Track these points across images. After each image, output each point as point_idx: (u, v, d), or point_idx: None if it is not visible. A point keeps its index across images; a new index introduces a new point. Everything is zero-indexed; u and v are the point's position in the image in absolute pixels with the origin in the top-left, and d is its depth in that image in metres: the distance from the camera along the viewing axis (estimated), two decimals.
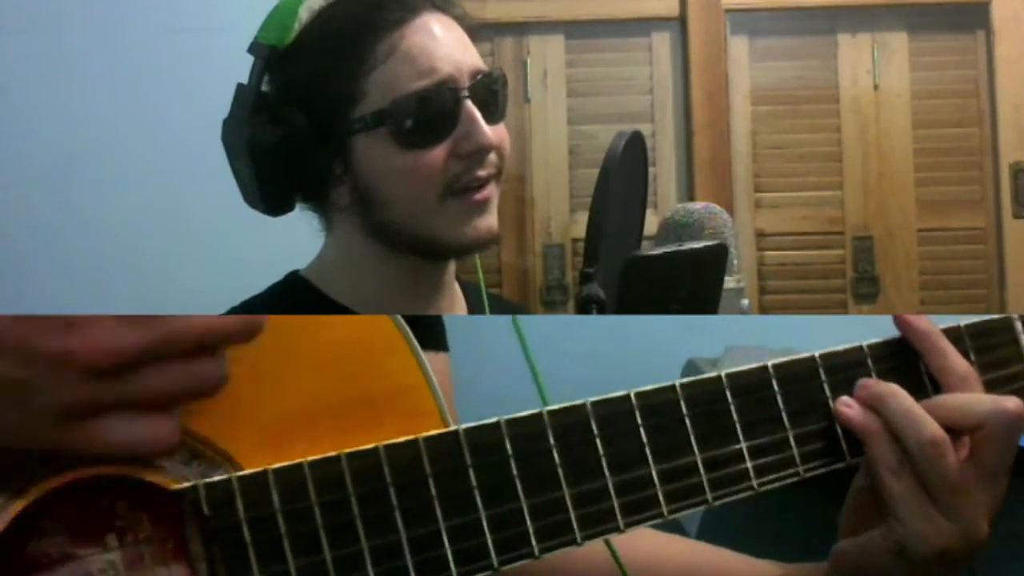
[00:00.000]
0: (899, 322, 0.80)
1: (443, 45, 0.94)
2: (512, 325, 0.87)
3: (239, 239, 1.97)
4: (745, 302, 1.41)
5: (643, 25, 2.50)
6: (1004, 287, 2.47)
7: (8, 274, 2.13)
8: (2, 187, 2.16)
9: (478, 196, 0.95)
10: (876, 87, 2.50)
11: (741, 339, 2.02)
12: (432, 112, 0.93)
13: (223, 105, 0.98)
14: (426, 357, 0.88)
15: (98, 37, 2.18)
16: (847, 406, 0.75)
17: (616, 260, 0.89)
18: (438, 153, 0.93)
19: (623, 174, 0.94)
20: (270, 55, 0.96)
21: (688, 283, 0.88)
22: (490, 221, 0.96)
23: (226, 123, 0.97)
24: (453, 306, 1.06)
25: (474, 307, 1.09)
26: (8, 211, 2.16)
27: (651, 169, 2.32)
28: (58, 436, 0.53)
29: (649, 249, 0.91)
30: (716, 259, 0.91)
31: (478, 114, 0.94)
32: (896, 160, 2.49)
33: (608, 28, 2.49)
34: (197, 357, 0.54)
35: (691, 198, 2.43)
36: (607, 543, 0.73)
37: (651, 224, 1.03)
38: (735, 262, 1.40)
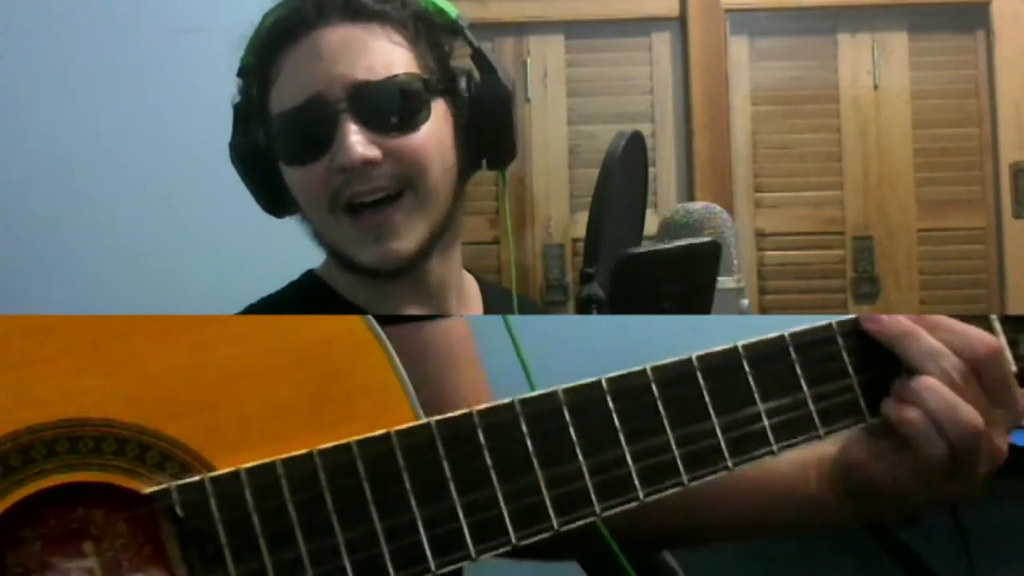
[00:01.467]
0: (868, 326, 0.80)
1: (321, 60, 0.92)
2: (504, 324, 0.87)
3: (239, 238, 1.97)
4: (745, 302, 1.41)
5: (643, 25, 2.50)
6: (1004, 287, 2.47)
7: (8, 274, 2.13)
8: (2, 187, 2.16)
9: (369, 220, 0.93)
10: (876, 87, 2.50)
11: (741, 339, 2.02)
12: (302, 130, 0.93)
13: (223, 105, 1.00)
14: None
15: (98, 37, 2.18)
16: (889, 406, 0.78)
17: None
18: (316, 169, 0.93)
19: (623, 174, 0.94)
20: (239, 72, 1.00)
21: (680, 280, 0.88)
22: (386, 248, 0.93)
23: (231, 141, 1.01)
24: (464, 303, 1.05)
25: (490, 304, 1.08)
26: (8, 211, 2.16)
27: (651, 169, 2.32)
28: None
29: (637, 248, 0.91)
30: (708, 256, 0.91)
31: (350, 128, 0.91)
32: (896, 160, 2.49)
33: (608, 28, 2.49)
34: None
35: (691, 198, 2.42)
36: (597, 526, 0.73)
37: (651, 224, 1.03)
38: (735, 262, 1.41)
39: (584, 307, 0.89)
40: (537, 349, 1.00)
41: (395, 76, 0.93)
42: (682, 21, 2.48)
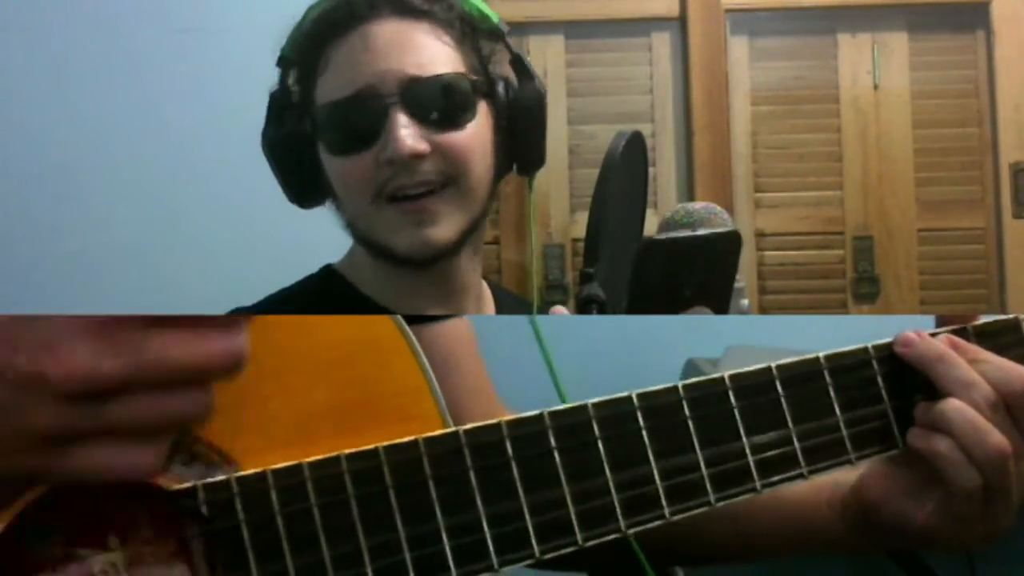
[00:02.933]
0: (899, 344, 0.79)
1: (372, 53, 0.94)
2: (529, 325, 0.87)
3: (239, 238, 1.97)
4: (745, 302, 1.41)
5: (643, 25, 2.50)
6: (1004, 287, 2.47)
7: (8, 274, 2.13)
8: (2, 187, 2.16)
9: (412, 206, 0.94)
10: (876, 87, 2.50)
11: (741, 339, 2.02)
12: (349, 120, 0.94)
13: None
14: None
15: (98, 37, 2.18)
16: (915, 436, 0.76)
17: (616, 260, 0.89)
18: (364, 160, 0.94)
19: (623, 174, 0.94)
20: (279, 62, 1.00)
21: (702, 269, 0.88)
22: (427, 234, 0.95)
23: (264, 131, 1.01)
24: (480, 306, 1.06)
25: (502, 309, 1.09)
26: (8, 211, 2.16)
27: (651, 169, 2.32)
28: (36, 461, 0.50)
29: (660, 234, 0.90)
30: (730, 246, 0.91)
31: (400, 121, 0.92)
32: (896, 160, 2.49)
33: (608, 28, 2.49)
34: (181, 388, 0.51)
35: (691, 198, 2.42)
36: (628, 541, 0.73)
37: (651, 224, 1.03)
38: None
39: (584, 307, 0.89)
40: (536, 349, 1.00)
41: (445, 74, 0.95)
42: (682, 21, 2.48)
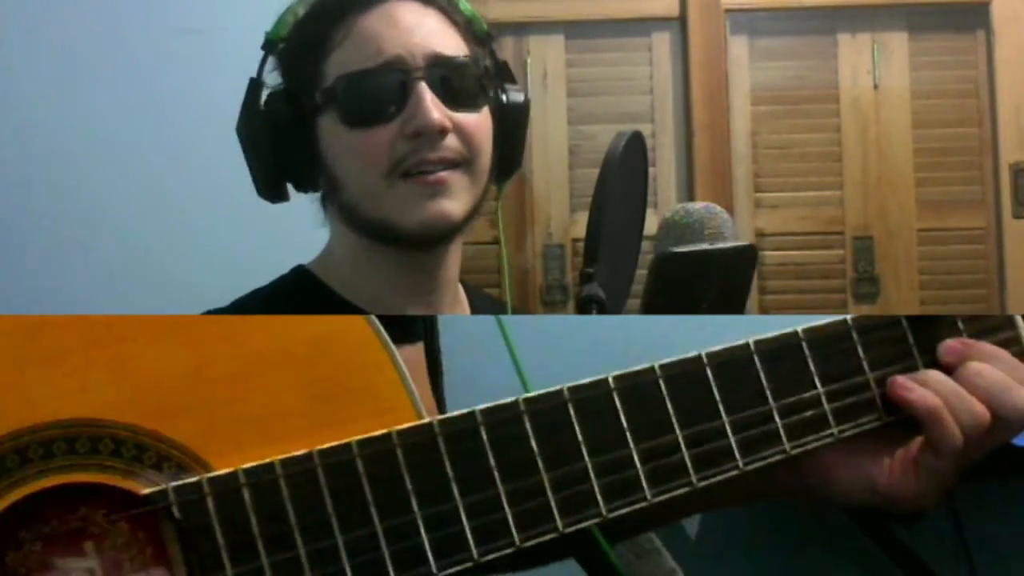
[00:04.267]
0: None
1: (397, 28, 0.94)
2: (496, 324, 0.87)
3: (239, 237, 1.97)
4: None
5: (643, 25, 2.50)
6: (1004, 287, 2.47)
7: (8, 274, 2.13)
8: (2, 187, 2.16)
9: (429, 178, 0.94)
10: (876, 87, 2.50)
11: (741, 339, 2.02)
12: (375, 90, 0.94)
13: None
14: (397, 350, 0.87)
15: (98, 37, 2.18)
16: (906, 388, 0.78)
17: (616, 260, 0.89)
18: (383, 133, 0.93)
19: (623, 174, 0.94)
20: (267, 47, 0.99)
21: (717, 282, 0.88)
22: (442, 206, 0.94)
23: (239, 116, 0.99)
24: (455, 306, 1.06)
25: (476, 309, 1.09)
26: (8, 211, 2.16)
27: (651, 169, 2.32)
28: None
29: (681, 246, 0.90)
30: (746, 260, 0.91)
31: (428, 95, 0.93)
32: (896, 160, 2.49)
33: (608, 28, 2.49)
34: None
35: (691, 198, 2.42)
36: (592, 531, 0.72)
37: (651, 224, 1.02)
38: None
39: (584, 307, 0.88)
40: (537, 349, 1.00)
41: (466, 55, 0.97)
42: (682, 21, 2.48)
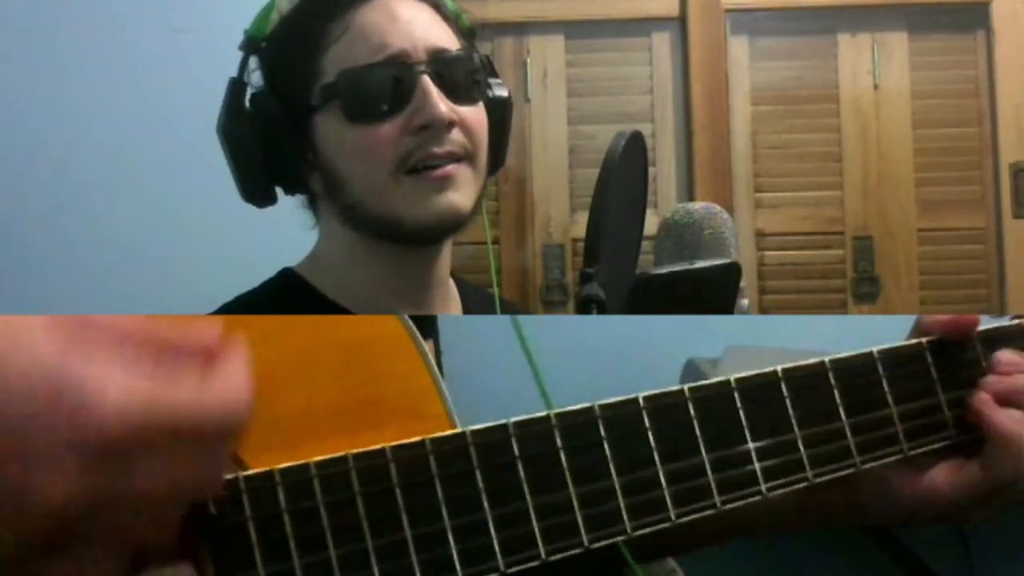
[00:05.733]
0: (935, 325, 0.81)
1: (398, 22, 0.94)
2: (512, 325, 0.87)
3: (239, 238, 1.97)
4: (745, 302, 1.41)
5: (643, 25, 2.50)
6: (1004, 287, 2.47)
7: (8, 274, 2.13)
8: (2, 187, 2.16)
9: (437, 173, 0.94)
10: (876, 87, 2.50)
11: (741, 339, 2.02)
12: (380, 85, 0.93)
13: (215, 103, 0.99)
14: None
15: (98, 37, 2.18)
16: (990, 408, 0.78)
17: (616, 260, 0.89)
18: (389, 128, 0.93)
19: (623, 174, 0.94)
20: (250, 46, 0.98)
21: (697, 303, 0.87)
22: (451, 199, 0.94)
23: (219, 117, 0.98)
24: (447, 303, 1.05)
25: (469, 305, 1.08)
26: (8, 211, 2.16)
27: (651, 169, 2.32)
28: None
29: (657, 268, 0.89)
30: (728, 277, 0.90)
31: (433, 89, 0.93)
32: (896, 160, 2.49)
33: (608, 28, 2.49)
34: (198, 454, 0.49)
35: (691, 198, 2.42)
36: (619, 547, 0.72)
37: (651, 224, 1.02)
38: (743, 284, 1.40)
39: (584, 307, 0.88)
40: (537, 349, 0.99)
41: (465, 49, 0.97)
42: (682, 21, 2.48)
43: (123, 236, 2.17)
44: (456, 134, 0.94)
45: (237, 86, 0.98)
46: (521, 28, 2.48)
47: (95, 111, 2.16)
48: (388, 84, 0.93)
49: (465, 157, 0.95)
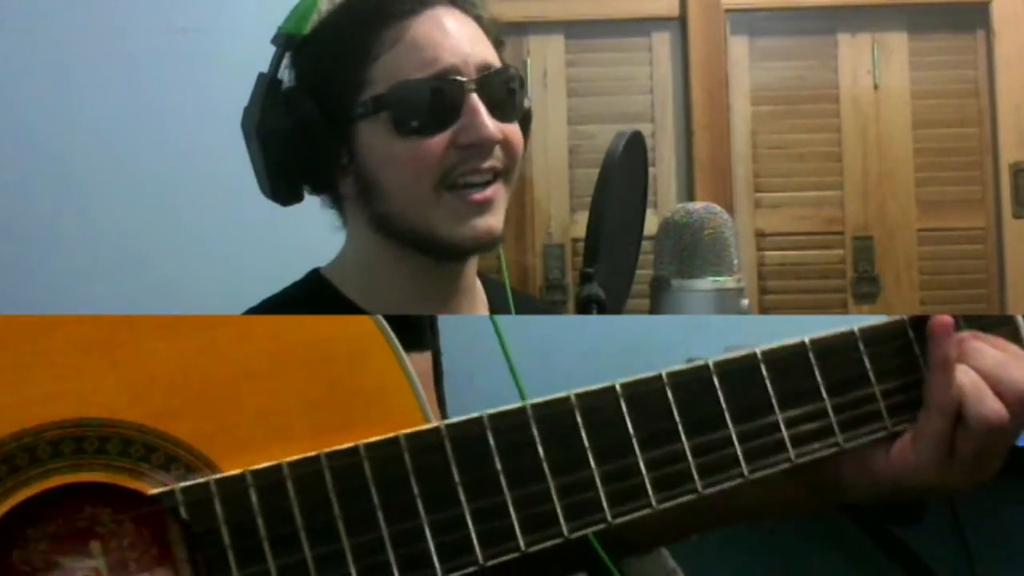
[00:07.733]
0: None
1: (450, 37, 0.94)
2: (496, 324, 0.87)
3: (239, 238, 1.97)
4: (745, 302, 1.41)
5: (643, 25, 2.50)
6: (1004, 287, 2.47)
7: (8, 274, 2.13)
8: (2, 187, 2.16)
9: (478, 196, 0.94)
10: (876, 87, 2.50)
11: (741, 339, 2.01)
12: (432, 100, 0.93)
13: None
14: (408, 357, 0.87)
15: (97, 37, 2.18)
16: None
17: (616, 261, 0.89)
18: (436, 142, 0.93)
19: (623, 174, 0.94)
20: (287, 44, 0.97)
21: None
22: (490, 222, 0.95)
23: (245, 111, 0.98)
24: (474, 306, 1.05)
25: (496, 305, 1.08)
26: (8, 211, 2.16)
27: (651, 169, 2.32)
28: None
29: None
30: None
31: (482, 107, 0.93)
32: (896, 160, 2.49)
33: (608, 28, 2.49)
34: None
35: (691, 198, 2.42)
36: (590, 539, 0.72)
37: (651, 224, 1.02)
38: (735, 262, 1.40)
39: (584, 307, 0.89)
40: (537, 349, 0.99)
41: (510, 67, 0.98)
42: (682, 21, 2.48)
43: (123, 236, 2.17)
44: (497, 150, 0.95)
45: (270, 82, 0.97)
46: (521, 28, 2.48)
47: (95, 111, 2.16)
48: (439, 99, 0.93)
49: (502, 173, 0.96)
